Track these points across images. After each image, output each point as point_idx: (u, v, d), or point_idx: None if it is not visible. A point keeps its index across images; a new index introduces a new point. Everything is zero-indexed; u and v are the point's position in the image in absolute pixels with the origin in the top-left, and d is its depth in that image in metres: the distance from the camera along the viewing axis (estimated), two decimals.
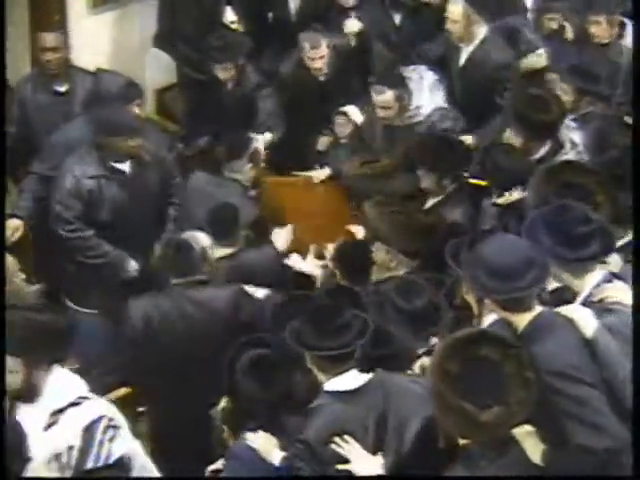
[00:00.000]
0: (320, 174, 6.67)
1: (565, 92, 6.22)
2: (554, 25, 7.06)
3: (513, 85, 6.34)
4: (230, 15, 7.38)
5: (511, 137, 5.87)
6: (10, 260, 5.30)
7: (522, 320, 4.01)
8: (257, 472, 4.29)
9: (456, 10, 6.63)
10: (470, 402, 3.65)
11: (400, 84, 6.37)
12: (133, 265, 5.93)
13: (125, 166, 5.82)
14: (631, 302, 4.22)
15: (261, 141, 6.36)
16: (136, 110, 6.27)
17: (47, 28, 6.63)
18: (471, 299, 4.48)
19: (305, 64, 6.81)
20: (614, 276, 4.28)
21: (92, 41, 7.05)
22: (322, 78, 6.90)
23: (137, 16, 7.52)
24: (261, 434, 4.28)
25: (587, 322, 4.06)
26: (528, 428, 3.91)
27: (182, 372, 5.12)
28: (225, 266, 5.39)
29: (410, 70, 6.55)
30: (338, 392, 4.09)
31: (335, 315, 4.26)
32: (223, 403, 4.50)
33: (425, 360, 4.57)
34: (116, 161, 5.79)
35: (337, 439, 4.08)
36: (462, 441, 3.79)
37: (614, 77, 6.46)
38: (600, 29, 6.61)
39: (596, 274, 4.21)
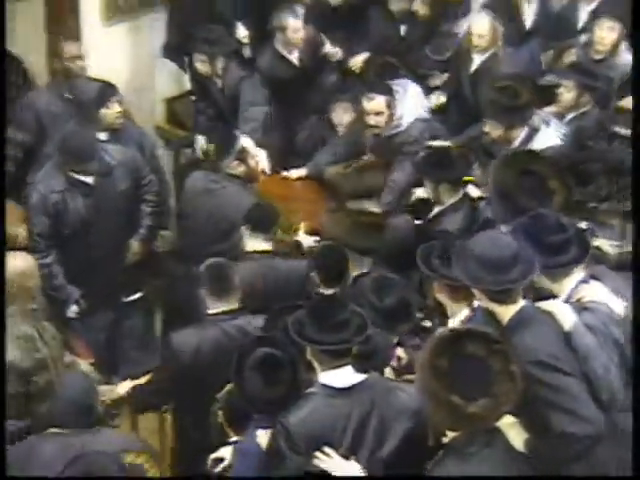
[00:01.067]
0: (298, 173, 6.79)
1: (568, 89, 6.33)
2: None
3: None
4: (242, 31, 7.46)
5: (491, 129, 6.00)
6: (29, 258, 5.44)
7: (507, 312, 4.18)
8: (262, 468, 4.36)
9: (483, 25, 6.75)
10: (458, 395, 3.77)
11: (389, 92, 6.50)
12: (74, 309, 6.00)
13: (89, 178, 5.90)
14: (607, 300, 4.39)
15: (249, 140, 6.41)
16: (116, 107, 6.32)
17: (62, 38, 6.76)
18: (444, 298, 4.69)
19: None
20: (591, 277, 4.44)
21: (105, 51, 7.15)
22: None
23: (148, 28, 7.61)
24: (270, 433, 4.38)
25: (566, 316, 4.23)
26: (511, 419, 4.08)
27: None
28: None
29: (394, 84, 6.67)
30: (329, 386, 4.18)
31: (336, 311, 4.34)
32: (225, 393, 4.64)
33: (400, 350, 4.83)
34: (79, 172, 5.85)
35: (318, 453, 4.18)
36: (449, 435, 3.94)
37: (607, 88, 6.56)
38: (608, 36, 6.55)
39: (574, 277, 4.37)
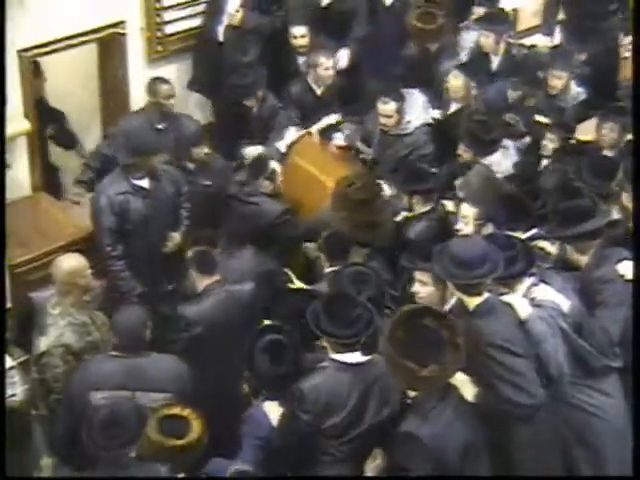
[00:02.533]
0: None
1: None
2: None
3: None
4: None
5: (463, 152, 6.65)
6: (81, 259, 5.92)
7: (473, 302, 4.63)
8: (266, 432, 4.83)
9: (457, 84, 7.32)
10: (412, 361, 4.20)
11: (400, 99, 7.06)
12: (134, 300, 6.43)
13: (145, 182, 6.46)
14: (554, 298, 4.93)
15: (277, 163, 6.94)
16: (205, 149, 7.11)
17: (115, 78, 7.66)
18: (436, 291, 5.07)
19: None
20: (540, 280, 4.98)
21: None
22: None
23: (182, 68, 8.19)
24: (275, 404, 4.81)
25: (523, 308, 4.74)
26: (463, 376, 4.52)
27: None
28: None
29: (405, 92, 7.21)
30: (340, 361, 4.57)
31: (350, 308, 4.69)
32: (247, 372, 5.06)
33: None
34: (138, 178, 6.41)
35: None
36: (412, 394, 4.36)
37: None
38: (558, 82, 7.38)
39: (525, 283, 4.89)
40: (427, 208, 6.25)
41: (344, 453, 4.58)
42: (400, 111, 7.04)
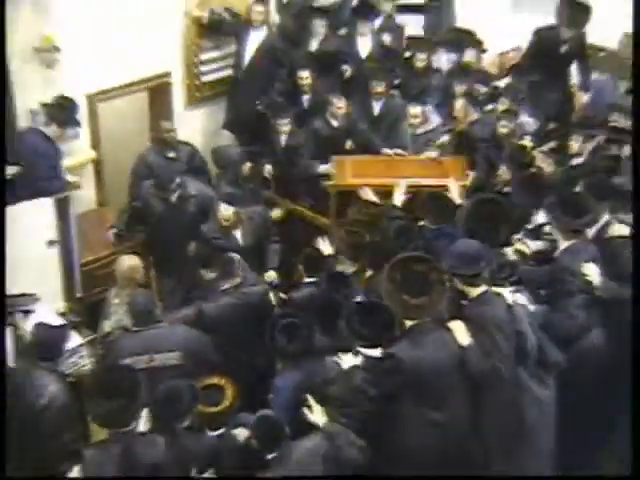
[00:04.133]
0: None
1: None
2: None
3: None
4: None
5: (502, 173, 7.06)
6: (137, 259, 6.71)
7: (474, 292, 5.04)
8: (288, 399, 5.17)
9: (459, 108, 8.18)
10: (406, 294, 4.64)
11: (424, 104, 8.18)
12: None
13: (173, 198, 7.26)
14: (521, 300, 5.27)
15: None
16: (249, 164, 7.84)
17: (161, 118, 8.41)
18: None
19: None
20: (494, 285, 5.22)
21: (188, 126, 8.65)
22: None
23: (214, 109, 9.06)
24: (296, 373, 5.23)
25: (508, 297, 5.16)
26: (459, 323, 4.91)
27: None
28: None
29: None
30: (365, 355, 4.99)
31: (380, 313, 5.00)
32: None
33: None
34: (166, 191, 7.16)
35: (305, 409, 4.88)
36: (408, 323, 4.71)
37: None
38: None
39: (482, 287, 5.12)
40: None
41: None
42: (425, 113, 8.11)
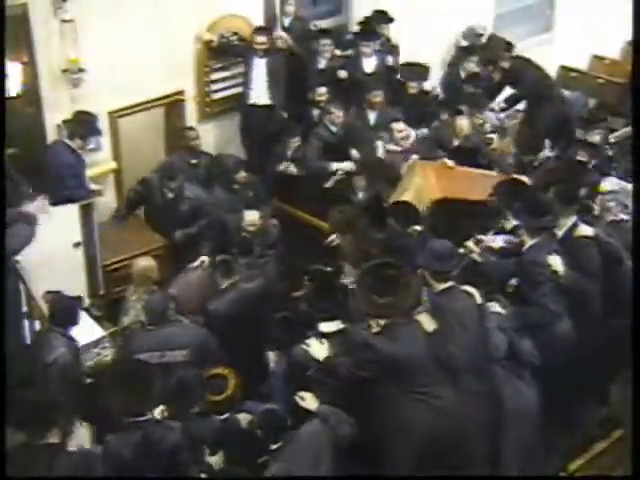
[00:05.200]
0: None
1: None
2: None
3: None
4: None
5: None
6: (152, 260, 7.19)
7: (440, 286, 5.33)
8: (281, 381, 5.60)
9: (462, 124, 8.58)
10: (375, 294, 4.91)
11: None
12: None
13: (170, 194, 7.78)
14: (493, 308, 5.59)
15: None
16: (244, 173, 8.21)
17: (176, 132, 8.92)
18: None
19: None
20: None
21: (200, 139, 8.99)
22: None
23: (226, 125, 9.42)
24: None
25: (475, 293, 5.45)
26: (425, 315, 5.16)
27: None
28: None
29: None
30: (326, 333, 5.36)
31: (334, 286, 5.84)
32: None
33: None
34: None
35: (297, 398, 5.11)
36: (380, 322, 4.96)
37: None
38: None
39: (449, 282, 5.43)
40: None
41: None
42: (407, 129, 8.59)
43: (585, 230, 6.19)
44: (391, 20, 9.95)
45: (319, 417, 5.07)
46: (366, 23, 9.88)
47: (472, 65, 10.06)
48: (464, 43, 10.53)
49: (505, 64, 9.80)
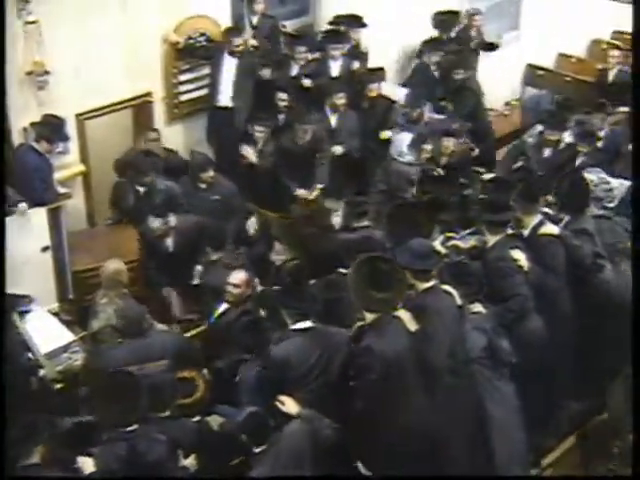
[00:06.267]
0: None
1: None
2: None
3: None
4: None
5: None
6: (121, 263, 7.05)
7: (423, 286, 5.37)
8: (253, 385, 5.51)
9: (448, 144, 8.74)
10: (371, 289, 4.86)
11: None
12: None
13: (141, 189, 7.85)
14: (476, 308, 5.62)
15: None
16: (211, 172, 8.11)
17: (144, 132, 8.80)
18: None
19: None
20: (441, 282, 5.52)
21: (169, 140, 9.07)
22: None
23: (191, 126, 9.46)
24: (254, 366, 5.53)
25: (454, 293, 5.52)
26: (405, 312, 5.15)
27: None
28: None
29: None
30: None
31: (303, 287, 5.79)
32: None
33: None
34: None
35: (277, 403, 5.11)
36: (369, 316, 4.93)
37: None
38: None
39: (432, 281, 5.46)
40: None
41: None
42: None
43: (550, 228, 6.21)
44: (364, 25, 9.93)
45: (302, 419, 5.11)
46: (337, 24, 9.85)
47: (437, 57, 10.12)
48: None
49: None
